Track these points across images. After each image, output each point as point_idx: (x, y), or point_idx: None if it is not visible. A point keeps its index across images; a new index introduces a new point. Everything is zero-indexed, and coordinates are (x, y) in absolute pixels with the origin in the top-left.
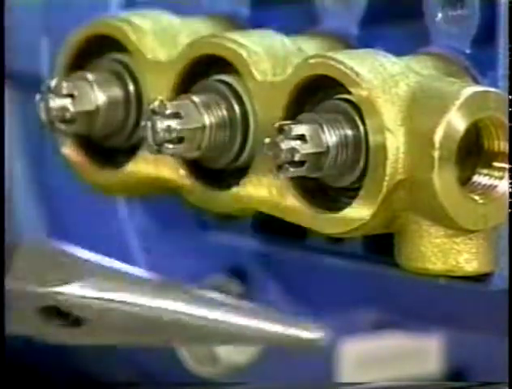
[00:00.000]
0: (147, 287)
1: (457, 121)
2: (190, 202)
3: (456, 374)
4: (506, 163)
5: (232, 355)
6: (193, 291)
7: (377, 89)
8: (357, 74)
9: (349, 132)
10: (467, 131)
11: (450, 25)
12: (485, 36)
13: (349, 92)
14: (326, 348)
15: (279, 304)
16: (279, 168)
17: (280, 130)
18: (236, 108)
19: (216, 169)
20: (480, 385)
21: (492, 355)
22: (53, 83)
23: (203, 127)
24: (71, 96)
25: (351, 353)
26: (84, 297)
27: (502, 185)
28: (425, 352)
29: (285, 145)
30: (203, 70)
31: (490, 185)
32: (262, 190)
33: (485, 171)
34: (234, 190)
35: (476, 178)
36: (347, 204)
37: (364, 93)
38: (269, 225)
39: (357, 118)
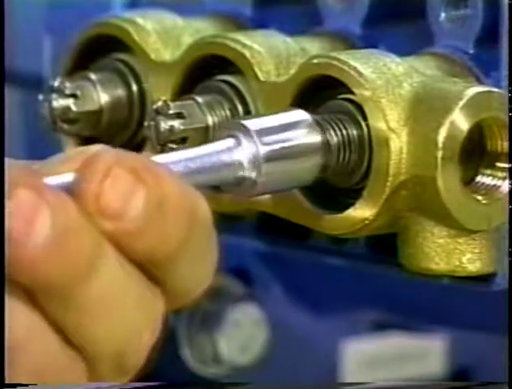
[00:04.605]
0: None
1: (460, 122)
2: None
3: (459, 373)
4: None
5: (235, 355)
6: None
7: (380, 89)
8: (360, 74)
9: (352, 132)
10: (471, 131)
11: (454, 25)
12: (488, 36)
13: (353, 93)
14: (329, 348)
15: (282, 304)
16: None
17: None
18: (240, 108)
19: None
20: (480, 385)
21: (496, 355)
22: (56, 83)
23: (206, 127)
24: (74, 96)
25: (354, 353)
26: None
27: (505, 186)
28: (428, 352)
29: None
30: (206, 71)
31: (493, 186)
32: None
33: (488, 171)
34: None
35: (480, 179)
36: (351, 204)
37: (367, 93)
38: (272, 226)
39: (360, 119)
